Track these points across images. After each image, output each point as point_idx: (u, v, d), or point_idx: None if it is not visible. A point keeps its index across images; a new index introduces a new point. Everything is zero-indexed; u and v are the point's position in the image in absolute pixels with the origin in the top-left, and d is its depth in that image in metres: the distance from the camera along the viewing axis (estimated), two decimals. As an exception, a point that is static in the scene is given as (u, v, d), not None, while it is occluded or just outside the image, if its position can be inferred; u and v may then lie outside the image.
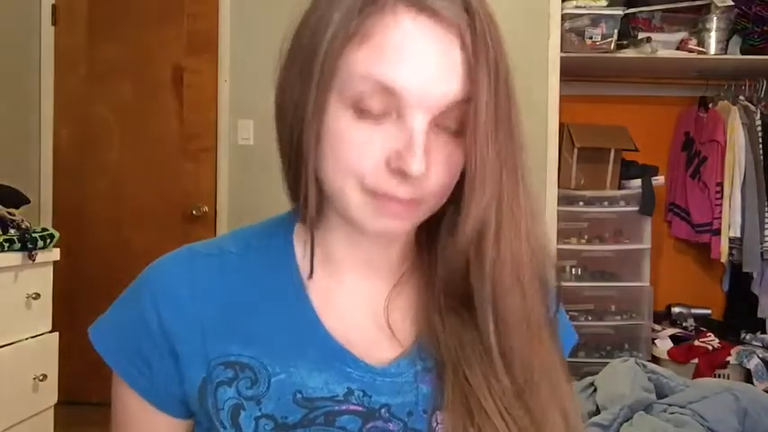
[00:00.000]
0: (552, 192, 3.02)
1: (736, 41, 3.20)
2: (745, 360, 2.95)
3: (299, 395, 0.61)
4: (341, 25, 0.56)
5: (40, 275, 2.26)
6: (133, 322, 0.65)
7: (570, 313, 3.13)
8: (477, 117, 0.57)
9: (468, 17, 0.56)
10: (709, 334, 3.11)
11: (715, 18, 3.11)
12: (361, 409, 0.62)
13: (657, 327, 3.23)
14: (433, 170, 0.58)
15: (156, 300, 0.64)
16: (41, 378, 2.24)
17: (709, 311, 3.36)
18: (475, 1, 0.57)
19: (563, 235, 3.11)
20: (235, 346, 0.63)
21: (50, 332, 2.32)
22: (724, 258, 3.19)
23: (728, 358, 2.99)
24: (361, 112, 0.57)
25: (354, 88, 0.56)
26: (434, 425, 0.62)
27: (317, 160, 0.60)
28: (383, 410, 0.62)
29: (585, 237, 3.19)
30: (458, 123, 0.58)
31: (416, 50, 0.55)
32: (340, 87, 0.57)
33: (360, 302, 0.67)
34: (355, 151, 0.57)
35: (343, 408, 0.61)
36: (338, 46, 0.56)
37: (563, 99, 3.05)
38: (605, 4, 2.99)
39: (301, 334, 0.64)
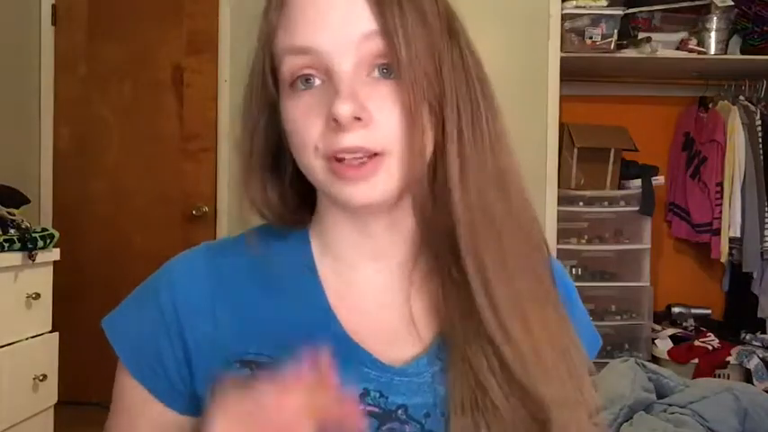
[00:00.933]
0: (552, 192, 3.02)
1: (736, 41, 3.20)
2: (745, 360, 2.95)
3: None
4: (264, 27, 0.63)
5: (40, 275, 2.26)
6: (149, 317, 0.65)
7: (570, 313, 3.14)
8: (398, 51, 0.58)
9: None
10: (709, 334, 3.11)
11: (715, 18, 3.11)
12: (376, 410, 0.61)
13: (657, 327, 3.23)
14: (377, 114, 0.58)
15: (174, 297, 0.65)
16: (41, 378, 2.24)
17: (709, 311, 3.36)
18: None
19: (563, 235, 3.11)
20: (252, 345, 0.63)
21: (50, 332, 2.32)
22: (724, 258, 3.19)
23: (728, 358, 2.99)
24: (296, 86, 0.60)
25: (285, 67, 0.60)
26: (453, 428, 0.60)
27: (293, 153, 0.62)
28: (399, 411, 0.61)
29: (585, 237, 3.19)
30: (389, 59, 0.59)
31: (316, 12, 0.59)
32: (281, 77, 0.61)
33: (375, 298, 0.66)
34: (302, 123, 0.60)
35: (360, 409, 0.60)
36: (267, 44, 0.62)
37: (563, 99, 3.05)
38: (605, 4, 2.99)
39: (318, 333, 0.63)
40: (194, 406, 0.65)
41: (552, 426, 0.59)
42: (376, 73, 0.59)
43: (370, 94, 0.58)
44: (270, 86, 0.63)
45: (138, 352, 0.66)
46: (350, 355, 0.62)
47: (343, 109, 0.56)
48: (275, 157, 0.66)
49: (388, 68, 0.59)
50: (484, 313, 0.60)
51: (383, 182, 0.60)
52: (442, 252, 0.63)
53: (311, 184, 0.64)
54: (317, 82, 0.60)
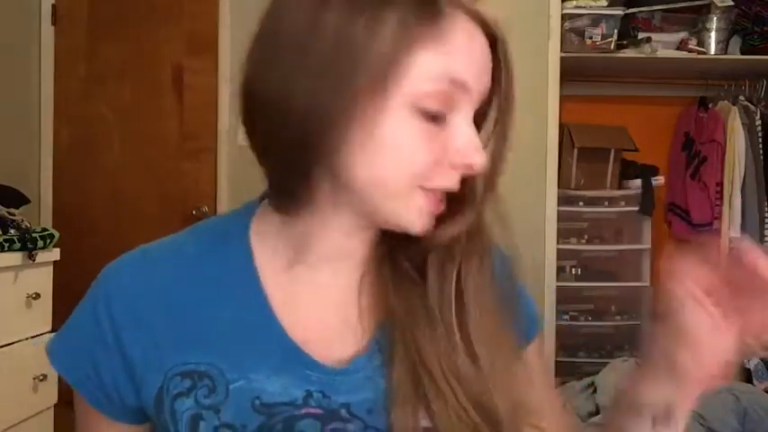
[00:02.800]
0: (552, 192, 3.02)
1: (736, 41, 3.20)
2: (745, 360, 2.95)
3: (257, 401, 0.61)
4: (402, 27, 0.55)
5: (40, 275, 2.26)
6: (87, 333, 0.65)
7: (570, 313, 3.14)
8: (502, 112, 0.63)
9: (492, 25, 0.61)
10: (709, 334, 3.11)
11: (715, 18, 3.11)
12: (320, 411, 0.62)
13: (657, 327, 3.22)
14: None
15: (109, 307, 0.64)
16: (41, 378, 2.24)
17: (709, 311, 3.36)
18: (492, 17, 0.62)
19: (563, 235, 3.11)
20: (192, 354, 0.62)
21: (50, 332, 2.32)
22: (724, 258, 3.19)
23: (728, 358, 2.98)
24: (425, 114, 0.58)
25: (419, 88, 0.57)
26: (393, 420, 0.61)
27: (357, 162, 0.58)
28: (343, 410, 0.62)
29: (585, 237, 3.19)
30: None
31: (475, 50, 0.59)
32: (398, 88, 0.57)
33: (322, 298, 0.66)
34: (417, 150, 0.58)
35: (303, 412, 0.61)
36: (404, 47, 0.56)
37: (563, 99, 3.05)
38: (605, 4, 2.99)
39: (259, 337, 0.63)
40: (143, 415, 0.65)
41: (492, 407, 0.61)
42: None
43: None
44: (379, 90, 0.56)
45: (81, 372, 0.65)
46: (292, 358, 0.63)
47: (481, 162, 0.60)
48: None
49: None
50: (444, 308, 0.63)
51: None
52: (403, 252, 0.65)
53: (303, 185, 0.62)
54: (441, 119, 0.59)
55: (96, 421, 0.67)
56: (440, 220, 0.63)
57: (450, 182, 0.60)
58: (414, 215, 0.61)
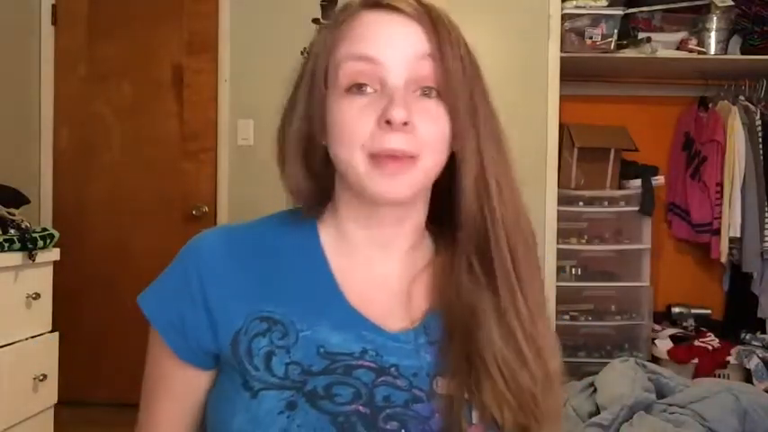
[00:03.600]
0: (552, 192, 3.02)
1: (736, 41, 3.20)
2: (745, 360, 2.95)
3: (321, 349, 0.71)
4: (328, 38, 0.74)
5: (40, 275, 2.26)
6: (175, 283, 0.76)
7: (570, 313, 3.14)
8: (447, 72, 0.71)
9: (420, 7, 0.73)
10: (709, 334, 3.11)
11: (715, 18, 3.11)
12: (374, 365, 0.72)
13: (657, 327, 3.23)
14: (419, 125, 0.70)
15: (198, 264, 0.75)
16: (41, 378, 2.24)
17: (709, 311, 3.36)
18: (424, 3, 0.74)
19: (563, 235, 3.11)
20: (269, 305, 0.73)
21: (50, 332, 2.32)
22: (724, 258, 3.19)
23: (728, 358, 2.99)
24: (351, 90, 0.71)
25: (342, 73, 0.72)
26: (435, 387, 0.72)
27: (330, 146, 0.73)
28: (392, 369, 0.72)
29: (585, 237, 3.19)
30: (434, 82, 0.71)
31: (380, 31, 0.72)
32: (335, 81, 0.72)
33: (374, 279, 0.78)
34: (353, 122, 0.70)
35: (359, 363, 0.71)
36: (327, 53, 0.74)
37: (563, 99, 3.05)
38: (605, 4, 2.99)
39: (324, 300, 0.74)
40: (213, 360, 0.75)
41: (539, 398, 0.72)
42: (418, 92, 0.72)
43: (415, 107, 0.70)
44: (322, 88, 0.74)
45: (165, 316, 0.75)
46: (351, 320, 0.74)
47: (398, 113, 0.68)
48: (306, 150, 0.77)
49: (430, 90, 0.72)
50: (515, 305, 0.73)
51: (410, 181, 0.71)
52: (469, 250, 0.75)
53: (328, 181, 0.78)
54: (370, 90, 0.71)
55: (168, 363, 0.76)
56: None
57: (390, 142, 0.69)
58: (372, 181, 0.71)
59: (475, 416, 0.70)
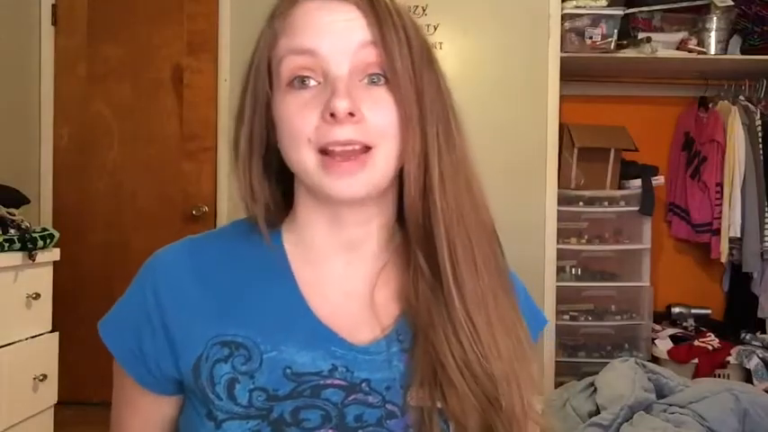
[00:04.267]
0: (552, 192, 3.02)
1: (736, 41, 3.20)
2: (745, 360, 2.95)
3: (288, 370, 0.68)
4: (268, 32, 0.71)
5: (40, 275, 2.26)
6: (133, 308, 0.72)
7: (570, 313, 3.15)
8: (390, 60, 0.67)
9: None
10: (709, 334, 3.11)
11: (715, 18, 3.11)
12: (344, 383, 0.68)
13: (657, 327, 3.23)
14: (368, 114, 0.67)
15: (156, 285, 0.71)
16: (41, 378, 2.24)
17: (709, 311, 3.36)
18: None
19: (563, 235, 3.11)
20: (230, 328, 0.69)
21: (50, 332, 2.32)
22: (724, 258, 3.19)
23: (728, 358, 2.99)
24: (294, 85, 0.68)
25: (284, 68, 0.68)
26: (409, 399, 0.68)
27: (281, 147, 0.70)
28: (363, 384, 0.68)
29: (585, 237, 3.19)
30: (380, 68, 0.68)
31: (318, 19, 0.68)
32: (278, 77, 0.69)
33: (343, 287, 0.73)
34: (298, 117, 0.67)
35: (328, 382, 0.68)
36: (268, 48, 0.71)
37: (563, 99, 3.05)
38: (605, 4, 2.99)
39: (290, 317, 0.70)
40: (179, 387, 0.72)
41: (502, 401, 0.67)
42: (365, 80, 0.68)
43: (361, 96, 0.67)
44: (266, 86, 0.71)
45: (124, 345, 0.72)
46: (319, 336, 0.70)
47: (341, 104, 0.64)
48: (263, 155, 0.73)
49: (378, 77, 0.68)
50: (453, 302, 0.68)
51: (367, 178, 0.67)
52: (419, 245, 0.71)
53: (288, 186, 0.74)
54: (313, 83, 0.68)
55: (132, 392, 0.74)
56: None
57: (337, 135, 0.66)
58: (322, 179, 0.67)
59: (452, 426, 0.67)
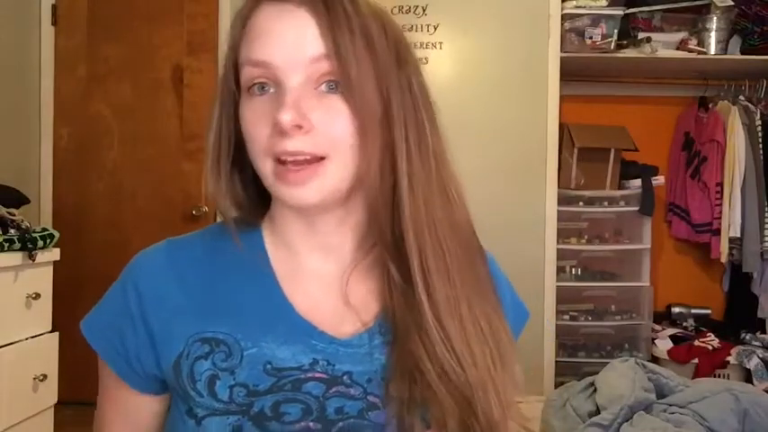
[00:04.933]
0: (552, 192, 3.02)
1: (736, 41, 3.20)
2: (745, 360, 2.95)
3: (268, 366, 0.68)
4: (233, 35, 0.71)
5: (40, 275, 2.26)
6: (115, 307, 0.73)
7: (570, 313, 3.15)
8: (344, 70, 0.66)
9: None
10: (709, 334, 3.11)
11: (715, 18, 3.11)
12: (325, 376, 0.69)
13: (657, 327, 3.23)
14: (320, 124, 0.66)
15: (137, 285, 0.72)
16: (41, 378, 2.24)
17: (709, 311, 3.36)
18: None
19: (563, 235, 3.11)
20: (210, 325, 0.70)
21: (50, 332, 2.32)
22: (724, 258, 3.19)
23: (728, 358, 2.99)
24: (252, 92, 0.68)
25: (243, 76, 0.69)
26: (391, 391, 0.68)
27: (248, 151, 0.70)
28: (345, 377, 0.69)
29: (585, 237, 3.19)
30: (334, 76, 0.67)
31: (273, 28, 0.67)
32: (241, 84, 0.69)
33: (322, 284, 0.74)
34: (254, 124, 0.68)
35: (309, 375, 0.68)
36: (234, 51, 0.70)
37: (563, 99, 3.05)
38: (605, 4, 2.99)
39: (271, 313, 0.71)
40: (163, 385, 0.73)
41: (476, 404, 0.67)
42: (323, 87, 0.67)
43: (314, 106, 0.66)
44: (233, 87, 0.71)
45: (107, 342, 0.73)
46: (300, 331, 0.70)
47: (285, 117, 0.64)
48: (237, 158, 0.74)
49: (335, 84, 0.67)
50: (425, 311, 0.68)
51: (318, 186, 0.67)
52: (389, 252, 0.71)
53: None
54: (271, 90, 0.68)
55: (118, 391, 0.75)
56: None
57: (287, 146, 0.65)
58: (277, 186, 0.68)
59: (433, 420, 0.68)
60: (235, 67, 0.70)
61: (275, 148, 0.66)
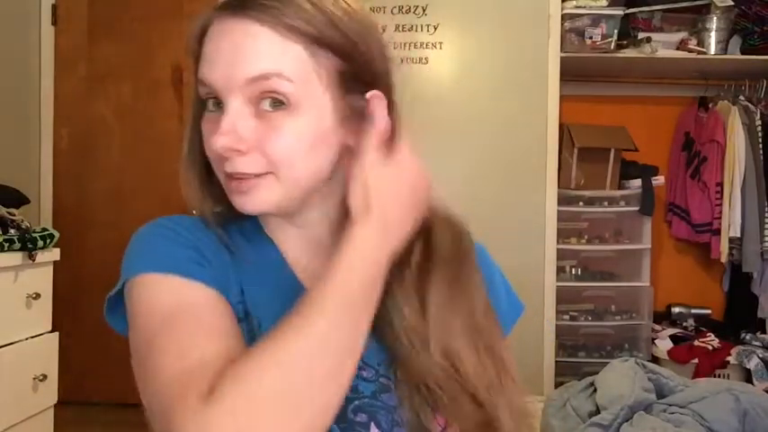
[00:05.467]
0: (552, 192, 3.02)
1: (736, 41, 3.20)
2: (745, 360, 2.95)
3: None
4: (192, 48, 0.71)
5: (40, 275, 2.26)
6: (172, 234, 0.71)
7: (570, 313, 3.14)
8: (288, 91, 0.65)
9: (255, 10, 0.65)
10: (709, 334, 3.11)
11: (715, 18, 3.11)
12: None
13: (657, 327, 3.23)
14: (265, 143, 0.66)
15: (183, 226, 0.72)
16: (41, 378, 2.24)
17: (709, 311, 3.36)
18: None
19: (563, 235, 3.11)
20: (236, 297, 0.70)
21: (50, 332, 2.32)
22: (724, 258, 3.19)
23: (728, 358, 2.99)
24: (208, 107, 0.69)
25: (197, 91, 0.70)
26: (399, 375, 0.70)
27: None
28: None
29: (585, 237, 3.19)
30: (274, 95, 0.66)
31: (218, 47, 0.67)
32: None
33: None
34: (206, 142, 0.69)
35: None
36: (195, 62, 0.70)
37: (563, 99, 3.05)
38: (605, 4, 2.99)
39: (288, 297, 0.68)
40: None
41: (485, 407, 0.68)
42: (266, 105, 0.66)
43: (252, 127, 0.66)
44: (198, 102, 0.72)
45: (182, 256, 0.68)
46: None
47: (218, 144, 0.65)
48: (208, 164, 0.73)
49: (278, 101, 0.66)
50: (405, 311, 0.70)
51: (263, 196, 0.68)
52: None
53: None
54: (218, 112, 0.68)
55: (201, 299, 0.65)
56: None
57: (231, 167, 0.67)
58: (230, 196, 0.69)
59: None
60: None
61: (222, 167, 0.68)
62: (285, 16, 0.65)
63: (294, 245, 0.77)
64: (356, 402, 0.68)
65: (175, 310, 0.63)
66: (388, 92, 0.70)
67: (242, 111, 0.66)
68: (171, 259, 0.67)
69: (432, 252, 0.72)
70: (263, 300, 0.71)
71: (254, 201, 0.68)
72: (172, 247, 0.69)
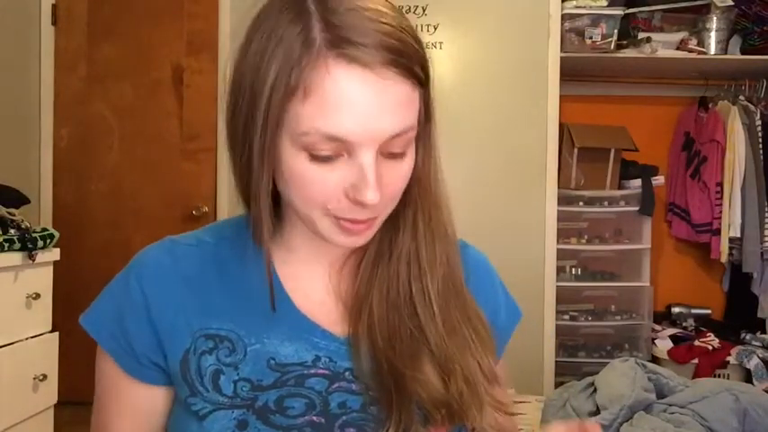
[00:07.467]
0: (552, 192, 3.02)
1: (736, 41, 3.20)
2: (745, 360, 2.95)
3: (272, 361, 0.70)
4: (280, 78, 0.62)
5: (40, 275, 2.26)
6: (119, 302, 0.73)
7: (570, 313, 3.14)
8: (411, 141, 0.67)
9: (392, 56, 0.61)
10: (709, 334, 3.11)
11: (715, 18, 3.11)
12: (327, 372, 0.70)
13: (657, 327, 3.23)
14: (387, 188, 0.66)
15: (141, 281, 0.72)
16: (41, 378, 2.24)
17: (709, 311, 3.36)
18: (395, 36, 0.62)
19: (563, 235, 3.11)
20: (214, 321, 0.71)
21: (50, 332, 2.32)
22: (724, 258, 3.19)
23: (728, 358, 2.99)
24: (314, 156, 0.63)
25: (303, 139, 0.62)
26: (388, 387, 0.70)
27: (280, 186, 0.68)
28: (347, 373, 0.71)
29: (585, 237, 3.19)
30: (401, 148, 0.66)
31: (353, 100, 0.61)
32: (290, 134, 0.63)
33: (320, 284, 0.76)
34: (316, 189, 0.65)
35: (312, 371, 0.70)
36: (280, 99, 0.62)
37: (563, 99, 3.05)
38: (605, 4, 2.99)
39: (273, 310, 0.71)
40: (166, 377, 0.73)
41: (462, 399, 0.70)
42: (387, 154, 0.66)
43: (384, 173, 0.65)
44: (273, 128, 0.64)
45: (110, 334, 0.73)
46: (302, 328, 0.72)
47: (372, 199, 0.63)
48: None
49: (402, 152, 0.66)
50: (402, 315, 0.72)
51: (369, 235, 0.70)
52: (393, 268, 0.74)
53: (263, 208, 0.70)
54: (340, 158, 0.64)
55: (121, 384, 0.74)
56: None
57: (353, 214, 0.66)
58: (332, 235, 0.68)
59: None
60: (281, 106, 0.62)
61: (345, 213, 0.66)
62: (408, 60, 0.63)
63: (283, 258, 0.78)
64: (343, 418, 0.69)
65: (105, 392, 0.78)
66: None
67: (377, 160, 0.64)
68: (111, 338, 0.73)
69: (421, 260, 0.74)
70: (251, 316, 0.72)
71: (359, 241, 0.70)
72: (116, 323, 0.73)
